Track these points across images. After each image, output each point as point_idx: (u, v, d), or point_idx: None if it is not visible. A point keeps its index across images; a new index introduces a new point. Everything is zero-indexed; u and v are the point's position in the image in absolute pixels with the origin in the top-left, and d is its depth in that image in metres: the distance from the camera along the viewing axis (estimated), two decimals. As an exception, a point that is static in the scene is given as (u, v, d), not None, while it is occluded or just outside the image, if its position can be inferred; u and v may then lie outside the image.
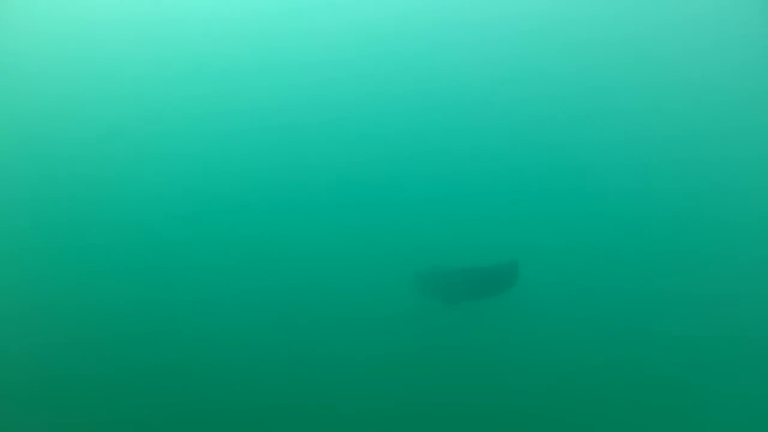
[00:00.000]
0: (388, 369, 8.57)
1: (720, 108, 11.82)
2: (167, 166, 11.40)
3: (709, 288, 9.13)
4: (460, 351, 8.76)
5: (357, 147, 11.79)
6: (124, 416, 8.12)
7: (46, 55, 13.46)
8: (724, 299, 9.01)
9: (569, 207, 10.37)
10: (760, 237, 9.75)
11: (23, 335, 8.93)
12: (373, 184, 11.13)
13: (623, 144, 11.29)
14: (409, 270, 9.62)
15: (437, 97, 12.60)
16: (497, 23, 13.99)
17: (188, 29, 14.24)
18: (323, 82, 13.09)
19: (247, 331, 9.06)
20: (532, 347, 8.70)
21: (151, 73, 13.19)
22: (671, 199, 10.42)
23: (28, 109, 12.33)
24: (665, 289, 9.17)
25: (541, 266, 9.38)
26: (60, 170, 11.32)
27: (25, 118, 12.17)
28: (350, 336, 8.95)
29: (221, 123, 12.28)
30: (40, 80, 12.89)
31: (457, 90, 12.69)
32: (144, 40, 13.91)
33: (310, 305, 9.35)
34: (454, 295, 9.47)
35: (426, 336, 8.95)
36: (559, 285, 9.29)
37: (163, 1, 14.98)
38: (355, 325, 9.06)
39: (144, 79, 13.10)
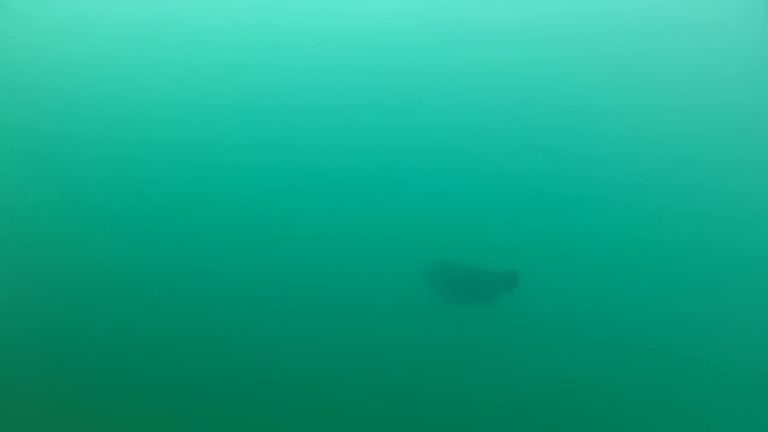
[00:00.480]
0: (388, 358, 8.83)
1: (728, 113, 12.09)
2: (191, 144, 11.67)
3: (709, 295, 9.43)
4: (458, 348, 9.01)
5: (380, 145, 12.08)
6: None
7: (47, 52, 13.28)
8: (726, 306, 9.31)
9: (577, 214, 10.58)
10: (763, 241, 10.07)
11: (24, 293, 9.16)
12: (392, 179, 11.42)
13: (633, 150, 11.50)
14: (418, 264, 9.93)
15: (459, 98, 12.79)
16: (514, 26, 14.17)
17: (190, 21, 14.07)
18: (339, 79, 13.32)
19: (254, 314, 9.33)
20: (535, 350, 8.94)
21: (156, 63, 13.10)
22: (678, 205, 10.74)
23: (32, 104, 12.19)
24: (669, 296, 9.41)
25: (547, 270, 9.65)
26: (76, 142, 11.44)
27: (29, 111, 12.04)
28: (354, 323, 9.20)
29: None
30: (43, 76, 12.73)
31: (484, 92, 12.88)
32: (145, 31, 13.77)
33: (318, 289, 9.62)
34: (455, 294, 9.79)
35: (424, 329, 9.20)
36: (563, 290, 9.50)
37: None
38: (360, 313, 9.33)
39: (150, 70, 13.03)
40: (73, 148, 11.34)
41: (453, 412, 8.25)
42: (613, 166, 11.34)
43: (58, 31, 13.71)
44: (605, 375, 8.53)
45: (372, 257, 10.04)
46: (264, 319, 9.22)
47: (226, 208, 10.64)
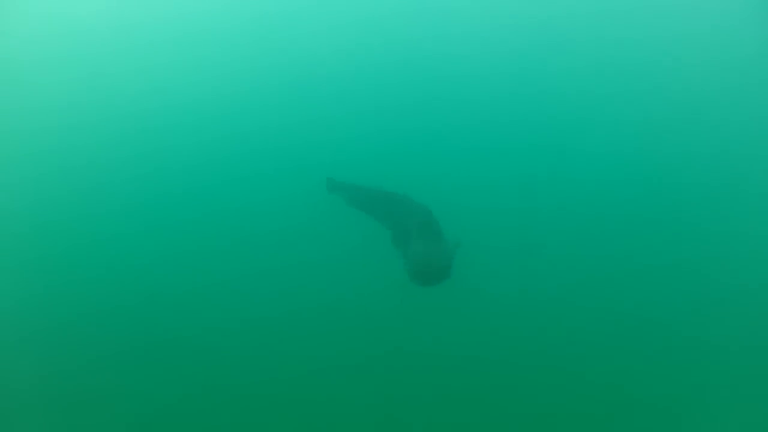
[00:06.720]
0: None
1: (716, 107, 10.75)
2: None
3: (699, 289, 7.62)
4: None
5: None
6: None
7: (44, 54, 13.86)
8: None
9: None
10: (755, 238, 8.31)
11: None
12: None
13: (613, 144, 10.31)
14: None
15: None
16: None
17: (175, 26, 14.34)
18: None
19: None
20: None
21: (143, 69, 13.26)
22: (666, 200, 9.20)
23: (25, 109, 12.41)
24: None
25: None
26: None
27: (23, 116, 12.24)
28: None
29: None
30: (39, 79, 13.12)
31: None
32: (133, 36, 14.21)
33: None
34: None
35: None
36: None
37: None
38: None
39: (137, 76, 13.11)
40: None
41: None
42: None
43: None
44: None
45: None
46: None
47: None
